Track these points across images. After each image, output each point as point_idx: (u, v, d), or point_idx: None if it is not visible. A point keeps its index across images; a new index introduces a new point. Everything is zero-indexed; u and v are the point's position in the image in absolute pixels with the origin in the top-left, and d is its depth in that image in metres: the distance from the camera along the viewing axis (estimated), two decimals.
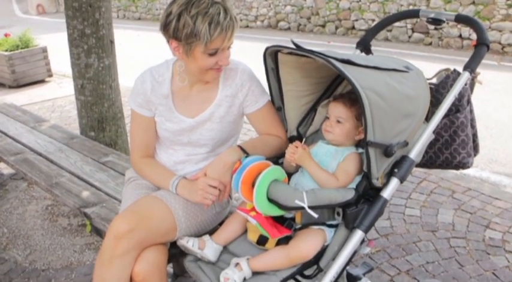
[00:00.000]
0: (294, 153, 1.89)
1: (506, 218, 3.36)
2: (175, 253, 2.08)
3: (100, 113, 3.89)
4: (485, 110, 5.77)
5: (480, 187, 3.80)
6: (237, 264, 1.82)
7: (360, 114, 1.88)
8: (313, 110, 2.19)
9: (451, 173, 4.02)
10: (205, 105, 2.11)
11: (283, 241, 1.86)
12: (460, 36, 9.87)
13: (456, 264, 2.87)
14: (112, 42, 3.85)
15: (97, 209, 2.58)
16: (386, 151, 1.78)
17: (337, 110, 1.94)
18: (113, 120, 3.97)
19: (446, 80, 2.15)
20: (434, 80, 2.22)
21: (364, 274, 2.38)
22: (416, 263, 2.86)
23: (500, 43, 9.36)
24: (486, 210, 3.44)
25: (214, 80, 2.09)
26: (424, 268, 2.82)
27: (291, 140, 2.17)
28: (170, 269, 2.71)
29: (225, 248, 1.98)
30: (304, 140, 2.22)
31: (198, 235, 2.02)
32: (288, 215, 1.90)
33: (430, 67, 2.09)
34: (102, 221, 2.47)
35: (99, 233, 2.56)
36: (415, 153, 1.90)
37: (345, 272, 2.32)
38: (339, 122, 1.93)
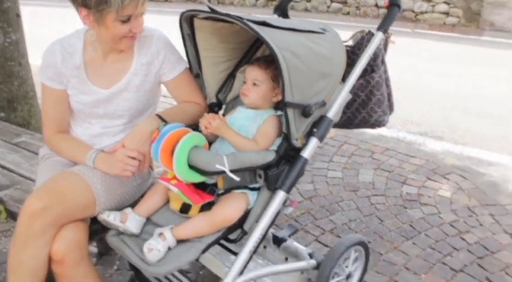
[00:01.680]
0: (210, 124, 1.86)
1: (421, 173, 3.54)
2: (97, 229, 2.01)
3: (10, 91, 3.67)
4: (400, 74, 6.00)
5: (397, 147, 3.97)
6: (160, 234, 1.78)
7: (275, 76, 1.89)
8: (232, 76, 2.17)
9: (370, 135, 4.17)
10: (120, 75, 2.03)
11: (207, 207, 1.85)
12: (376, 5, 10.16)
13: (377, 220, 3.00)
14: (18, 15, 3.61)
15: (10, 191, 2.45)
16: (305, 111, 1.80)
17: (253, 73, 1.93)
18: (25, 99, 3.76)
19: (362, 41, 2.19)
20: (350, 42, 2.26)
21: (289, 236, 2.42)
22: (339, 221, 2.96)
23: (413, 11, 9.73)
24: (403, 168, 3.60)
25: (129, 49, 2.01)
26: (347, 226, 2.92)
27: (211, 107, 2.15)
28: (95, 248, 2.63)
29: (149, 220, 1.93)
30: (224, 106, 2.20)
31: (120, 209, 1.96)
32: (210, 180, 1.88)
33: (348, 36, 2.13)
34: (17, 203, 2.35)
35: (14, 217, 2.43)
36: (333, 112, 1.93)
37: (270, 235, 2.37)
38: (255, 84, 1.92)
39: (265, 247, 2.43)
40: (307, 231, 2.87)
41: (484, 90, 5.67)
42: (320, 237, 2.81)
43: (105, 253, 2.63)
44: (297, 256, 2.29)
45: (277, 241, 2.38)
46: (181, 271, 2.13)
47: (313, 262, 2.22)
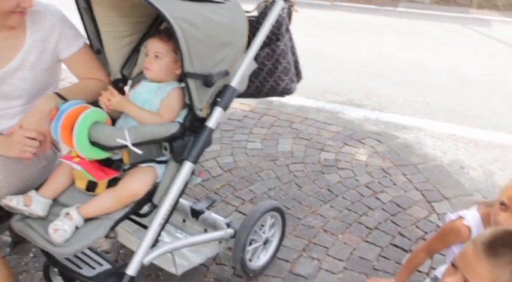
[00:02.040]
0: (110, 100, 1.82)
1: (338, 140, 3.64)
2: (1, 216, 1.94)
3: None
4: (320, 46, 6.12)
5: (316, 116, 4.05)
6: (66, 213, 1.74)
7: (177, 48, 1.86)
8: (136, 50, 2.12)
9: (290, 106, 4.24)
10: (13, 54, 1.93)
11: (114, 184, 1.82)
12: None
13: (295, 187, 3.07)
14: None
15: None
16: (206, 81, 1.80)
17: (154, 46, 1.90)
18: None
19: (265, 11, 2.20)
20: (255, 13, 2.27)
21: (207, 208, 2.44)
22: (259, 191, 3.00)
23: None
24: (321, 135, 3.70)
25: (20, 25, 1.92)
26: (266, 194, 2.97)
27: (116, 83, 2.10)
28: (8, 237, 2.54)
29: (56, 201, 1.88)
30: (130, 82, 2.16)
31: (25, 192, 1.90)
32: (116, 156, 1.84)
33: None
34: None
35: None
36: (237, 81, 1.95)
37: (188, 208, 2.38)
38: (157, 57, 1.90)
39: (184, 221, 2.44)
40: (228, 202, 2.89)
41: (398, 59, 5.88)
42: (240, 207, 2.85)
43: (19, 241, 2.54)
44: (215, 227, 2.32)
45: (195, 214, 2.40)
46: (100, 252, 2.09)
47: (230, 231, 2.25)
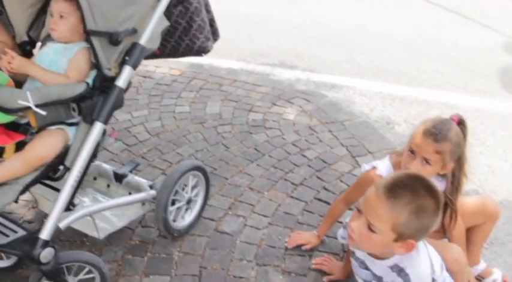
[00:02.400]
0: (11, 63, 1.76)
1: (267, 100, 3.67)
2: None
3: None
4: (252, 9, 6.06)
5: (246, 78, 4.05)
6: None
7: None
8: (43, 12, 2.04)
9: (220, 69, 4.22)
10: None
11: (23, 148, 1.77)
12: None
13: (223, 148, 3.08)
14: None
15: None
16: (112, 39, 1.77)
17: (58, 5, 1.84)
18: None
19: None
20: None
21: (130, 171, 2.42)
22: (186, 153, 3.00)
23: None
24: (250, 97, 3.71)
25: None
26: (193, 156, 2.97)
27: (22, 45, 2.02)
28: None
29: None
30: (39, 44, 2.08)
31: None
32: (23, 120, 1.79)
33: None
34: None
35: None
36: (145, 39, 1.91)
37: (111, 173, 2.35)
38: (62, 17, 1.84)
39: (108, 186, 2.41)
40: (155, 166, 2.88)
41: (330, 20, 5.92)
42: (167, 171, 2.83)
43: None
44: (138, 189, 2.31)
45: (119, 178, 2.37)
46: (14, 219, 2.04)
47: (153, 192, 2.25)
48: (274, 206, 2.61)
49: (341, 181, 2.84)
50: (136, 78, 3.92)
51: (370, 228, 1.54)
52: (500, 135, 3.64)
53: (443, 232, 2.14)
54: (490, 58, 5.14)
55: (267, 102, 3.64)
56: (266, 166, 2.93)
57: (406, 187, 1.52)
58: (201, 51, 2.32)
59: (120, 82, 1.83)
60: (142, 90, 3.74)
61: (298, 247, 2.34)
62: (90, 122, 1.79)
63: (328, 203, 2.62)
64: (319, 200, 2.68)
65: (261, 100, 3.67)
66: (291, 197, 2.69)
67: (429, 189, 1.53)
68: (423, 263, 1.66)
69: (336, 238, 2.16)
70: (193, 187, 2.38)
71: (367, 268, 1.79)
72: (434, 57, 5.02)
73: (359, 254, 1.80)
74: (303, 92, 3.87)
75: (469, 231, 2.20)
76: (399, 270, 1.66)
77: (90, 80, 1.83)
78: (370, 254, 1.72)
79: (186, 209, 2.40)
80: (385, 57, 4.92)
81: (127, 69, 1.84)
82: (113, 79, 1.84)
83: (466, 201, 2.19)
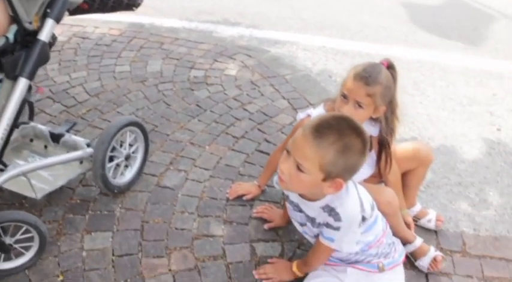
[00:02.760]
0: None
1: (209, 57, 3.65)
2: None
3: None
4: None
5: (188, 36, 4.00)
6: None
7: None
8: None
9: (162, 27, 4.15)
10: None
11: None
12: None
13: (164, 105, 3.07)
14: None
15: None
16: None
17: None
18: None
19: None
20: None
21: (67, 131, 2.39)
22: (127, 112, 2.97)
23: None
24: (192, 54, 3.68)
25: None
26: (134, 114, 2.94)
27: None
28: None
29: None
30: None
31: None
32: None
33: None
34: None
35: None
36: None
37: (47, 133, 2.31)
38: None
39: (46, 147, 2.37)
40: (95, 126, 2.84)
41: None
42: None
43: None
44: (76, 148, 2.28)
45: (55, 137, 2.34)
46: None
47: (90, 150, 2.23)
48: (215, 159, 2.63)
49: (282, 133, 2.88)
50: (75, 40, 3.81)
51: (298, 168, 1.57)
52: (439, 85, 3.75)
53: (380, 177, 2.22)
54: (430, 12, 5.24)
55: (209, 59, 3.62)
56: (207, 121, 2.93)
57: (332, 127, 1.55)
58: (132, 5, 2.27)
59: (43, 36, 1.78)
60: (81, 52, 3.65)
61: (239, 198, 2.38)
62: (14, 78, 1.74)
63: (268, 154, 2.66)
64: (260, 151, 2.72)
65: (202, 57, 3.64)
66: (232, 150, 2.72)
67: (354, 129, 1.56)
68: (353, 202, 1.71)
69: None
70: (132, 144, 2.37)
71: (301, 211, 1.84)
72: (377, 12, 5.07)
73: (293, 197, 1.84)
74: (246, 48, 3.86)
75: (404, 175, 2.28)
76: (330, 210, 1.71)
77: (10, 35, 1.77)
78: (302, 197, 1.77)
79: (126, 166, 2.39)
80: (328, 12, 4.94)
81: (49, 23, 1.79)
82: (35, 33, 1.79)
83: (400, 146, 2.27)
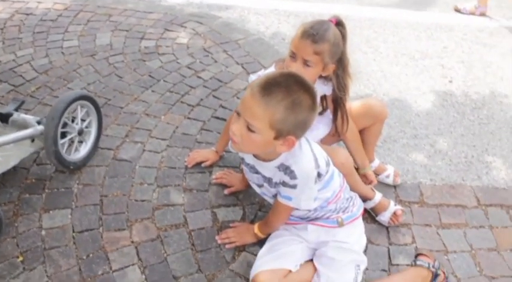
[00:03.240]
0: None
1: (159, 27, 3.58)
2: None
3: None
4: None
5: (135, 6, 3.90)
6: None
7: None
8: None
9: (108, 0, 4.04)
10: None
11: None
12: None
13: (116, 78, 3.01)
14: None
15: None
16: None
17: None
18: None
19: None
20: None
21: (16, 110, 2.33)
22: (77, 87, 2.89)
23: None
24: (141, 25, 3.60)
25: None
26: (86, 89, 2.87)
27: None
28: None
29: None
30: None
31: None
32: None
33: None
34: None
35: None
36: None
37: None
38: None
39: None
40: (45, 103, 2.76)
41: None
42: None
43: None
44: (26, 127, 2.23)
45: (4, 117, 2.29)
46: None
47: (40, 127, 2.18)
48: (171, 129, 2.61)
49: (237, 98, 2.87)
50: (18, 16, 3.67)
51: (249, 128, 1.56)
52: (391, 41, 3.78)
53: (338, 135, 2.24)
54: None
55: (159, 29, 3.55)
56: (161, 91, 2.90)
57: (280, 84, 1.54)
58: None
59: None
60: (25, 28, 3.52)
61: (198, 165, 2.38)
62: None
63: (225, 120, 2.65)
64: (217, 118, 2.71)
65: (153, 27, 3.57)
66: (188, 118, 2.70)
67: (302, 85, 1.55)
68: (307, 158, 1.72)
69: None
70: (85, 119, 2.32)
71: (257, 172, 1.85)
72: None
73: (248, 159, 1.85)
74: (196, 15, 3.80)
75: (361, 133, 2.30)
76: (285, 168, 1.72)
77: None
78: (257, 158, 1.78)
79: (80, 141, 2.35)
80: None
81: None
82: None
83: (354, 104, 2.29)
